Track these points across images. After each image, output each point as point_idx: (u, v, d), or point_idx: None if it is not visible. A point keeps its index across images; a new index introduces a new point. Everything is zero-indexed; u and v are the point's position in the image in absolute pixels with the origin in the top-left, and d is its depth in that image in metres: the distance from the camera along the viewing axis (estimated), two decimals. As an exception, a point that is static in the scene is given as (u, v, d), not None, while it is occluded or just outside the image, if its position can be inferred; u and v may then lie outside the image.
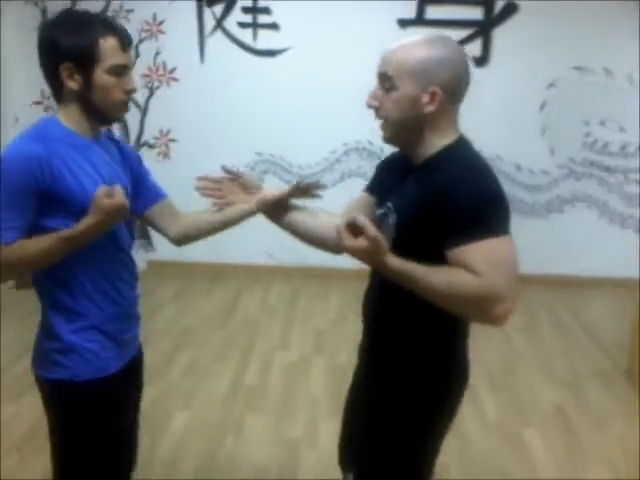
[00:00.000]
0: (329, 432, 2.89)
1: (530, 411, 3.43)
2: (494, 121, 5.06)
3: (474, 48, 4.99)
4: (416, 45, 1.55)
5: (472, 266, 1.45)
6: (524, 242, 5.65)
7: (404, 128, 1.59)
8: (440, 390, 1.72)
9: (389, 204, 1.63)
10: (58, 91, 1.66)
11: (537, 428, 3.26)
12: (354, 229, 1.46)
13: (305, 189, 1.93)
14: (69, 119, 1.67)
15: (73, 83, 1.61)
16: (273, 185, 5.20)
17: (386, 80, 1.56)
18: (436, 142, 1.59)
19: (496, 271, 1.45)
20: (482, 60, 5.03)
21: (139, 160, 1.93)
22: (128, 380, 1.87)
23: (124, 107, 1.71)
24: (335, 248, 1.85)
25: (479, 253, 1.45)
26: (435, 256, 1.50)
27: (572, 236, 5.34)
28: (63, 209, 1.61)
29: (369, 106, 1.62)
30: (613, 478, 2.88)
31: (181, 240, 1.99)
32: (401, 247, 1.51)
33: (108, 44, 1.60)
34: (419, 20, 4.98)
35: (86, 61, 1.59)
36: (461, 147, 1.61)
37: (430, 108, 1.54)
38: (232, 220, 1.96)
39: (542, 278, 5.26)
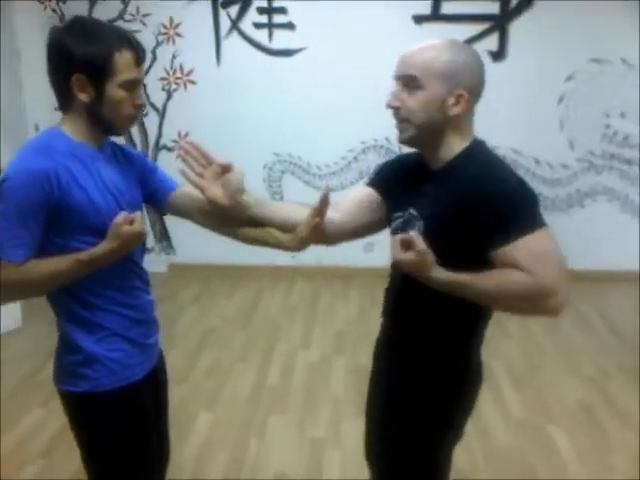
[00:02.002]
0: (352, 431, 2.90)
1: (555, 408, 3.41)
2: (512, 116, 5.04)
3: (490, 43, 4.97)
4: (439, 48, 1.55)
5: (519, 264, 1.47)
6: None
7: (427, 129, 1.58)
8: (455, 386, 1.73)
9: (412, 210, 1.62)
10: (66, 101, 1.61)
11: (563, 425, 3.24)
12: (404, 242, 1.50)
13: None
14: (74, 130, 1.63)
15: (84, 95, 1.56)
16: (292, 184, 5.30)
17: (411, 81, 1.55)
18: (456, 145, 1.60)
19: (543, 265, 1.48)
20: (499, 55, 5.00)
21: (142, 159, 1.89)
22: (153, 385, 1.87)
23: (133, 121, 1.68)
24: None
25: (523, 250, 1.47)
26: (471, 258, 1.52)
27: (593, 230, 5.30)
28: (73, 223, 1.57)
29: (390, 106, 1.61)
30: (640, 475, 2.86)
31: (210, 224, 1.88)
32: (433, 252, 1.52)
33: (123, 58, 1.55)
34: (435, 16, 4.96)
35: (100, 74, 1.54)
36: (478, 148, 1.62)
37: (456, 110, 1.55)
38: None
39: (564, 273, 5.23)
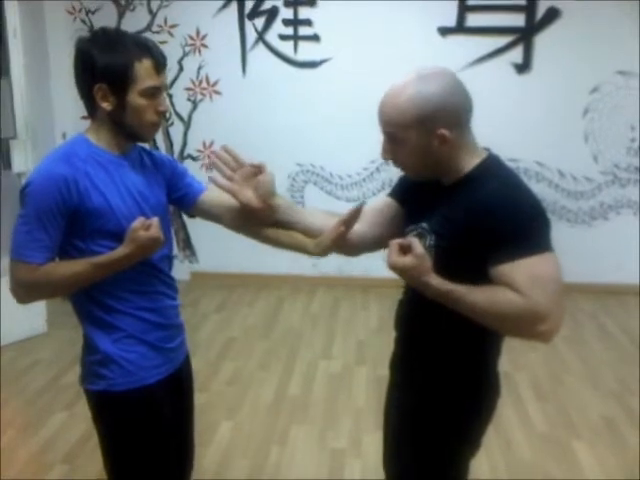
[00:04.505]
0: (373, 442, 2.90)
1: (578, 422, 3.37)
2: (536, 128, 5.01)
3: (515, 55, 4.97)
4: (403, 94, 1.54)
5: (515, 284, 1.45)
6: (567, 250, 5.53)
7: (425, 169, 1.62)
8: (471, 404, 1.71)
9: (424, 225, 1.61)
10: (91, 109, 1.67)
11: (586, 439, 3.21)
12: (402, 247, 1.50)
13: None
14: (98, 137, 1.68)
15: (106, 104, 1.62)
16: (314, 194, 5.32)
17: (391, 137, 1.58)
18: (465, 163, 1.59)
19: (539, 289, 1.44)
20: (524, 67, 4.98)
21: (172, 163, 1.92)
22: (174, 389, 1.88)
23: (156, 128, 1.72)
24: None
25: (522, 271, 1.45)
26: (478, 275, 1.50)
27: (617, 244, 5.24)
28: (92, 227, 1.63)
29: (384, 159, 1.66)
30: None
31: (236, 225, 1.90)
32: (443, 268, 1.52)
33: (143, 66, 1.60)
34: (459, 28, 4.97)
35: (120, 83, 1.60)
36: (493, 163, 1.61)
37: (444, 149, 1.55)
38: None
39: (586, 287, 5.17)
